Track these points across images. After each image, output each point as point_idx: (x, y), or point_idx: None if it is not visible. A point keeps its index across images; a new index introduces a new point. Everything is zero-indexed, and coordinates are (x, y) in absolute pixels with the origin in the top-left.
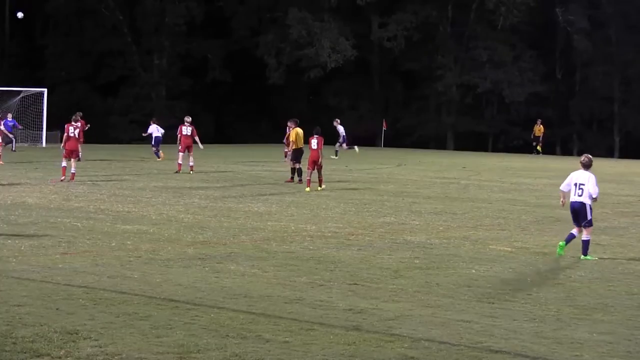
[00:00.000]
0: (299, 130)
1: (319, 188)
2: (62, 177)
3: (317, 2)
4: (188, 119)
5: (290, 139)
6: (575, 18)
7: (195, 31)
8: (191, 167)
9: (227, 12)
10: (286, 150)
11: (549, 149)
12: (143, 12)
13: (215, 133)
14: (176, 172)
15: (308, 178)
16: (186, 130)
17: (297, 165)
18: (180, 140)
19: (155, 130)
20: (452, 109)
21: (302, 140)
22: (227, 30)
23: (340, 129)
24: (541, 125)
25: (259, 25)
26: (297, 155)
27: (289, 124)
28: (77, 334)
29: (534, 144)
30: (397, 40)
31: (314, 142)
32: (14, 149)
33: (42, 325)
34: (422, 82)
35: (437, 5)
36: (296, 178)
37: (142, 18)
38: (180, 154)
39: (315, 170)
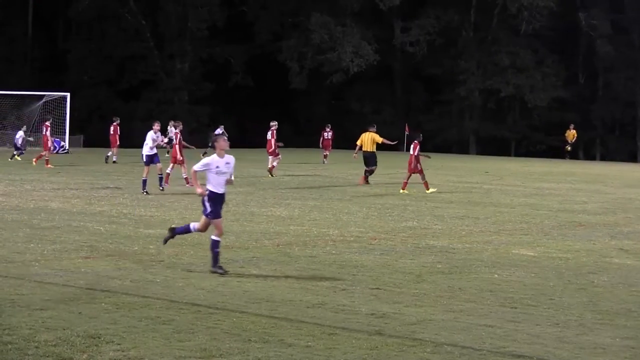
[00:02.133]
0: (365, 135)
1: (427, 191)
2: (167, 183)
3: (340, 7)
4: (273, 123)
5: (357, 143)
6: (598, 23)
7: (217, 36)
8: (269, 169)
9: (250, 16)
10: (325, 153)
11: (572, 154)
12: (165, 16)
13: (237, 137)
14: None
15: (405, 181)
16: (269, 135)
17: (372, 168)
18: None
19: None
20: (474, 114)
21: (368, 145)
22: (250, 34)
23: (172, 131)
24: (574, 130)
25: (282, 30)
26: (364, 159)
27: (327, 128)
28: (99, 338)
29: (567, 147)
30: (419, 45)
31: (411, 148)
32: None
33: (64, 329)
34: (445, 87)
35: (460, 10)
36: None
37: (165, 23)
38: (270, 157)
39: (417, 174)
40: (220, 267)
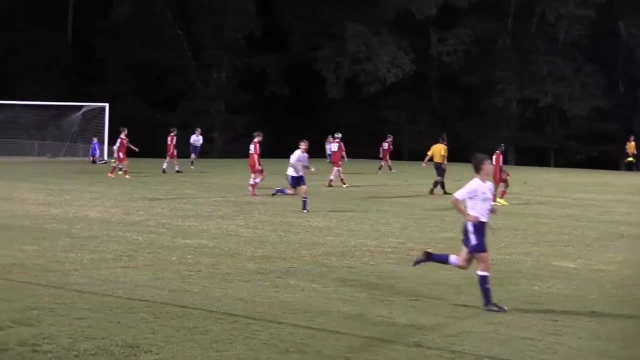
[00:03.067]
0: (436, 146)
1: (497, 202)
2: (254, 194)
3: (375, 17)
4: (338, 135)
5: (428, 153)
6: (638, 31)
7: (253, 45)
8: (330, 181)
9: (286, 26)
10: (382, 164)
11: (613, 165)
12: (202, 26)
13: (273, 147)
14: (328, 185)
15: (502, 190)
16: (333, 146)
17: (439, 179)
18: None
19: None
20: (512, 124)
21: (438, 156)
22: (286, 44)
23: (196, 139)
24: (633, 142)
25: (317, 40)
26: (435, 169)
27: (387, 138)
28: (138, 347)
29: (630, 159)
30: (456, 54)
31: (493, 158)
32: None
33: (103, 339)
34: (481, 97)
35: (497, 18)
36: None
37: (201, 32)
38: (335, 168)
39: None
40: (495, 305)
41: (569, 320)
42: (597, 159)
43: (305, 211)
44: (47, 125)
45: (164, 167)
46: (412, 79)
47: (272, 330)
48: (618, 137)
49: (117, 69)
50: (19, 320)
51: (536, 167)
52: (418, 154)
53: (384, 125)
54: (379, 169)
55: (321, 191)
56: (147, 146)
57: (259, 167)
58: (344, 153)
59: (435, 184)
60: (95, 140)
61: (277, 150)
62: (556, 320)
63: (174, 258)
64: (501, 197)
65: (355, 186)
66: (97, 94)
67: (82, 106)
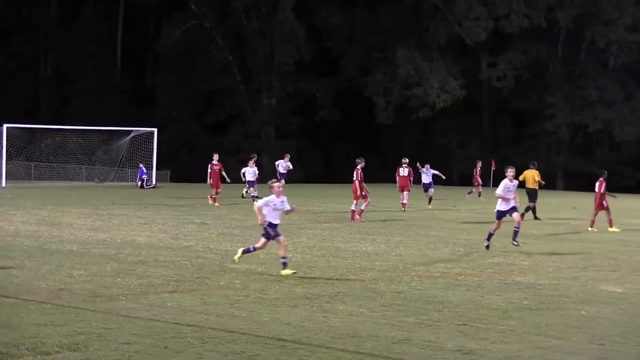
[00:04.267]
0: (528, 172)
1: (610, 229)
2: (353, 220)
3: (426, 42)
4: (406, 160)
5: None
6: None
7: (304, 70)
8: (403, 204)
9: (336, 51)
10: (472, 189)
11: None
12: (252, 51)
13: (323, 172)
14: (402, 210)
15: (592, 219)
16: (403, 171)
17: (532, 205)
18: (397, 181)
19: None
20: (562, 149)
21: (530, 182)
22: (336, 69)
23: (283, 165)
24: None
25: (368, 65)
26: (527, 195)
27: (477, 164)
28: None
29: None
30: (506, 79)
31: (597, 185)
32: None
33: None
34: (532, 122)
35: (547, 44)
36: (530, 215)
37: (251, 57)
38: (402, 193)
39: (603, 211)
40: None
41: (616, 344)
42: None
43: (515, 243)
44: (95, 149)
45: (255, 194)
46: (462, 104)
47: (320, 355)
48: None
49: (168, 93)
50: (67, 345)
51: (585, 192)
52: (468, 179)
53: (435, 150)
54: (469, 193)
55: (370, 216)
56: (197, 171)
57: (363, 193)
58: (411, 178)
59: (527, 209)
60: (141, 165)
61: (327, 174)
62: (603, 345)
63: (222, 283)
64: (611, 226)
65: (405, 211)
66: (147, 118)
67: (131, 131)
